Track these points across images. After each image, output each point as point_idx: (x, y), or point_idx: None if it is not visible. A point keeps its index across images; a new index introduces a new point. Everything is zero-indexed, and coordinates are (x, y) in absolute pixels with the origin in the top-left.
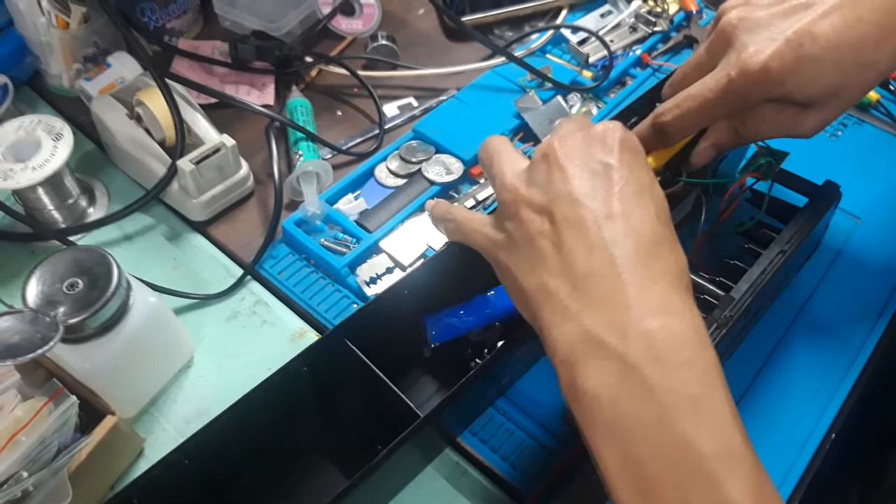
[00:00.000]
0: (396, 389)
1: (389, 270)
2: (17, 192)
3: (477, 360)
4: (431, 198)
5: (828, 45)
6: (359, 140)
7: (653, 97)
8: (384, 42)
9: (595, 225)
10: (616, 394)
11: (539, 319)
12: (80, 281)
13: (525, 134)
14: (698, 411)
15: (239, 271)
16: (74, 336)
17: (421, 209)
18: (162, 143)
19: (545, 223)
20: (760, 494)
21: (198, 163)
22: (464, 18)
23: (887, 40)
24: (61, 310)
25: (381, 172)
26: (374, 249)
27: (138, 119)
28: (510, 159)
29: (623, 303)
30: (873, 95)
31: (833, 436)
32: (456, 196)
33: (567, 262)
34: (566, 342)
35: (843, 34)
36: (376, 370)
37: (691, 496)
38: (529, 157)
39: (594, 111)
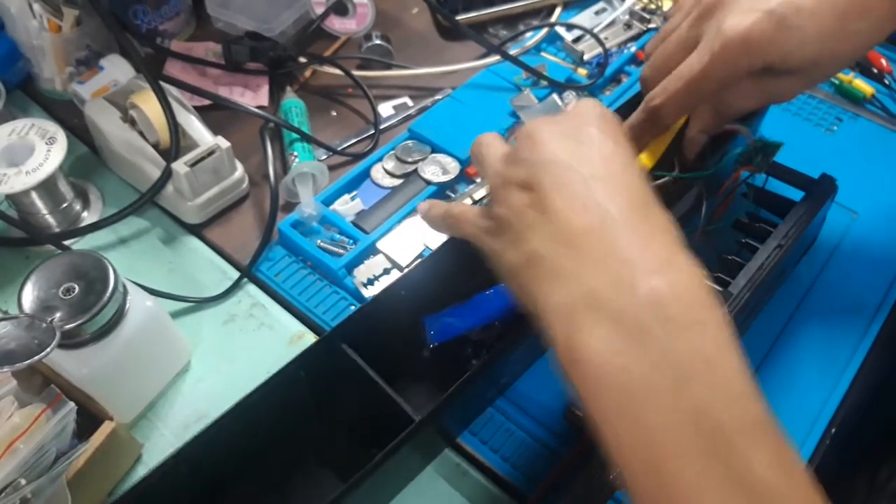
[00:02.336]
0: (391, 393)
1: (387, 271)
2: (10, 197)
3: (476, 359)
4: (428, 198)
5: (811, 14)
6: (354, 140)
7: None
8: (378, 42)
9: (583, 185)
10: (624, 359)
11: (532, 295)
12: (76, 285)
13: None
14: (714, 376)
15: (235, 274)
16: (71, 341)
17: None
18: (156, 146)
19: (530, 195)
20: (787, 467)
21: (193, 165)
22: (458, 17)
23: (871, 8)
24: (58, 315)
25: (377, 173)
26: (371, 250)
27: (132, 122)
28: (496, 148)
29: (626, 258)
30: (868, 89)
31: (833, 431)
32: (452, 196)
33: (557, 223)
34: (564, 305)
35: (826, 2)
36: (371, 373)
37: (710, 470)
38: None
39: None
